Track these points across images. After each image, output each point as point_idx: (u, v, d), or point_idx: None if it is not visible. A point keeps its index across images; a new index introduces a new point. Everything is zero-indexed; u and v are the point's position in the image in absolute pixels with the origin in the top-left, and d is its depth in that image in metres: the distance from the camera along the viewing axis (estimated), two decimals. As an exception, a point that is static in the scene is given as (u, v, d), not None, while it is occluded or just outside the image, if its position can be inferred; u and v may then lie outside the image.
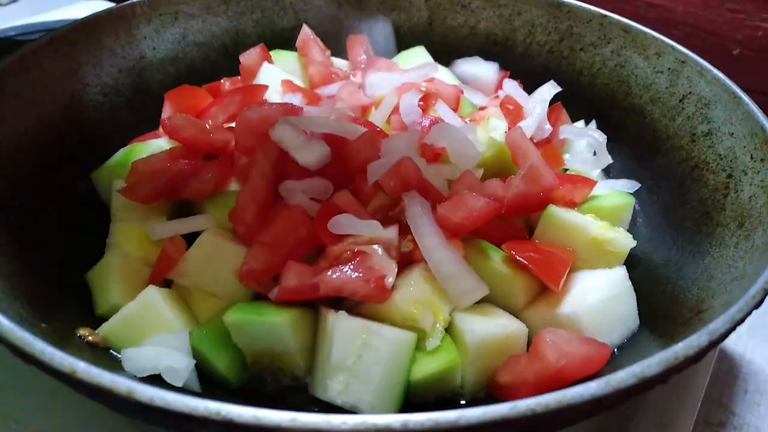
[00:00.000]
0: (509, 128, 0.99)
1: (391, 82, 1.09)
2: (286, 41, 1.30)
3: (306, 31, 1.25)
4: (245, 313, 0.75)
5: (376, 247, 0.79)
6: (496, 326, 0.76)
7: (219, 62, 1.25)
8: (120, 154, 1.00)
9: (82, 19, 1.08)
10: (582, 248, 0.84)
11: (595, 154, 1.05)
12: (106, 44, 1.11)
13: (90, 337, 0.75)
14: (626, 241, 0.84)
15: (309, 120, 0.96)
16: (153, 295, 0.77)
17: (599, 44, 1.15)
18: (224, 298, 0.81)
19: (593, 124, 1.13)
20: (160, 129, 1.06)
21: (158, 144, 1.02)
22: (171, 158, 0.96)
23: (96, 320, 0.82)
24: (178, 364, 0.71)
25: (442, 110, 1.00)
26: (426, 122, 0.98)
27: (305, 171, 0.90)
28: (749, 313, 0.61)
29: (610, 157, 1.02)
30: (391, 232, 0.81)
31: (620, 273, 0.80)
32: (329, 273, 0.76)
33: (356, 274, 0.76)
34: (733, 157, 0.88)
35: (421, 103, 1.05)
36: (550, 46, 1.22)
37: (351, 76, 1.17)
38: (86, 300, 0.85)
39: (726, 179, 0.88)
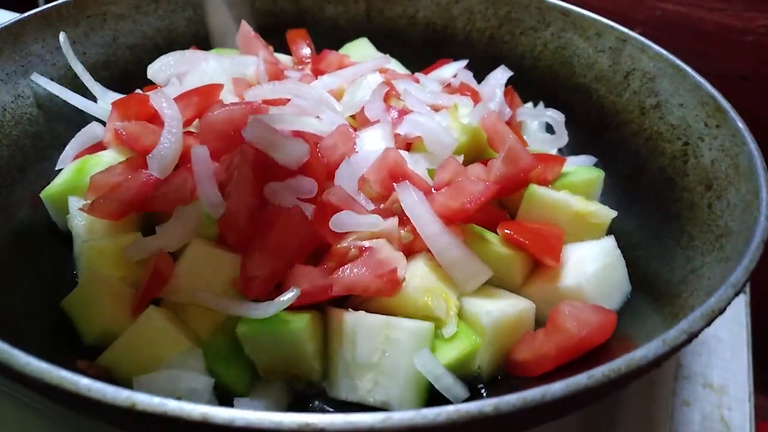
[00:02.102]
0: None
1: (348, 76, 1.07)
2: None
3: (246, 28, 1.21)
4: (258, 323, 0.71)
5: (382, 241, 0.78)
6: (507, 305, 0.77)
7: (153, 65, 1.17)
8: (70, 169, 0.93)
9: (4, 25, 0.97)
10: (566, 223, 0.88)
11: (551, 133, 1.09)
12: (34, 51, 1.02)
13: (91, 370, 0.68)
14: (608, 212, 0.88)
15: (279, 117, 0.93)
16: (155, 315, 0.72)
17: (539, 28, 1.20)
18: (222, 310, 0.77)
19: (541, 105, 1.18)
20: (107, 139, 0.98)
21: (111, 155, 0.95)
22: (130, 169, 0.90)
23: (79, 350, 0.75)
24: (199, 384, 0.67)
25: (410, 100, 1.00)
26: (394, 113, 0.98)
27: (285, 171, 0.87)
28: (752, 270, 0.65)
29: (567, 135, 1.06)
30: (392, 224, 0.80)
31: (610, 242, 0.84)
32: (340, 272, 0.74)
33: (367, 270, 0.75)
34: (687, 126, 0.95)
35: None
36: (491, 33, 1.25)
37: (299, 70, 1.14)
38: (63, 330, 0.78)
39: (683, 146, 0.94)
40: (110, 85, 1.09)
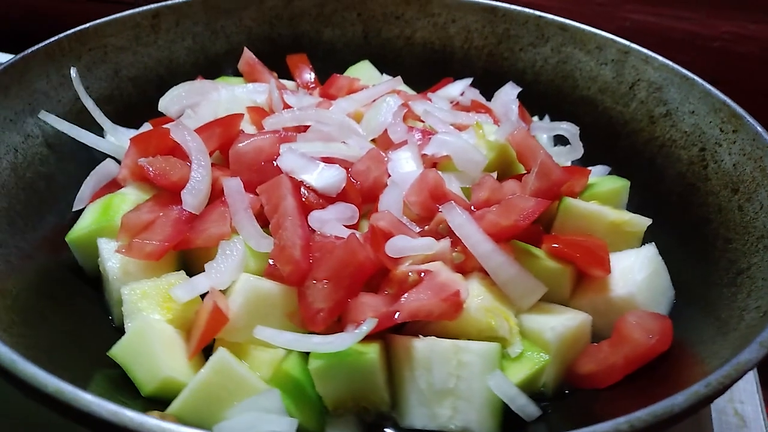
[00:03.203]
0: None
1: (363, 99, 1.07)
2: (221, 66, 1.23)
3: (248, 54, 1.19)
4: (331, 357, 0.69)
5: (438, 263, 0.78)
6: (567, 320, 0.78)
7: (156, 96, 1.13)
8: (94, 210, 0.89)
9: (8, 62, 0.93)
10: (602, 233, 0.89)
11: (565, 145, 1.11)
12: (39, 88, 0.97)
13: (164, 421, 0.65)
14: (643, 220, 0.91)
15: (309, 145, 0.92)
16: (227, 358, 0.69)
17: (538, 44, 1.23)
18: (291, 346, 0.74)
19: (547, 118, 1.20)
20: (122, 176, 0.95)
21: (134, 193, 0.91)
22: (160, 206, 0.87)
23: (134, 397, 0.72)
24: (283, 426, 0.64)
25: (432, 120, 1.00)
26: (418, 134, 0.98)
27: (324, 198, 0.86)
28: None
29: (581, 147, 1.08)
30: (445, 246, 0.80)
31: (652, 249, 0.86)
32: (404, 298, 0.74)
33: (431, 294, 0.74)
34: (701, 133, 0.98)
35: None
36: (489, 50, 1.27)
37: (308, 95, 1.13)
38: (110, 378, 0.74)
39: (700, 152, 0.98)
40: (115, 119, 1.06)
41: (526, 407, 0.72)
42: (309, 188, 0.85)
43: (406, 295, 0.74)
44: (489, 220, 0.81)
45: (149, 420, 0.49)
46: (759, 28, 1.68)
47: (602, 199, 0.96)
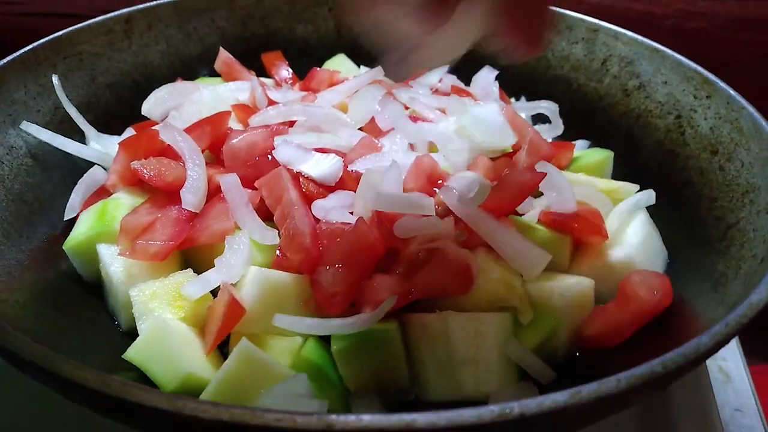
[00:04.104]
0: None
1: (347, 90, 1.08)
2: (197, 68, 1.22)
3: (224, 54, 1.19)
4: (352, 338, 0.70)
5: (448, 241, 0.79)
6: (574, 285, 0.80)
7: (134, 102, 1.12)
8: (90, 217, 0.87)
9: (-15, 73, 0.91)
10: (594, 203, 0.92)
11: (544, 123, 1.14)
12: (18, 98, 0.95)
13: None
14: (630, 187, 0.94)
15: (302, 137, 0.92)
16: (252, 348, 0.69)
17: (508, 27, 1.25)
18: (312, 331, 0.74)
19: (523, 99, 1.23)
20: (111, 182, 0.93)
21: (127, 197, 0.90)
22: (158, 208, 0.86)
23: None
24: (315, 407, 0.64)
25: (418, 107, 1.02)
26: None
27: (324, 187, 0.87)
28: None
29: (562, 124, 1.12)
30: (450, 224, 0.81)
31: (643, 214, 0.90)
32: (419, 276, 0.75)
33: (443, 270, 0.75)
34: (675, 101, 1.03)
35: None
36: (461, 36, 1.29)
37: (292, 90, 1.14)
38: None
39: (676, 120, 1.02)
40: (95, 126, 1.04)
41: (543, 371, 0.74)
42: (308, 178, 0.86)
43: (420, 273, 0.75)
44: (489, 196, 0.83)
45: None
46: (707, 4, 1.75)
47: (588, 171, 0.99)
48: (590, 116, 1.16)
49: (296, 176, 0.86)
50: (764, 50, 1.70)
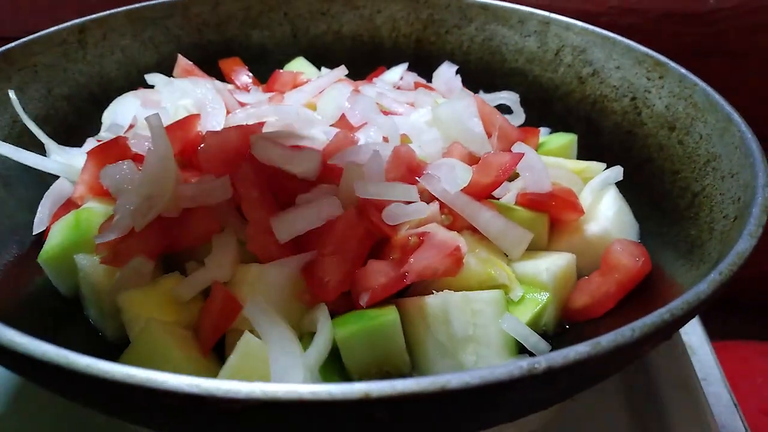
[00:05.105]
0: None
1: (313, 90, 1.08)
2: (154, 79, 1.20)
3: (183, 61, 1.17)
4: (355, 325, 0.70)
5: (434, 224, 0.80)
6: (558, 260, 0.83)
7: (93, 113, 1.10)
8: (63, 228, 0.84)
9: (-62, 87, 0.87)
10: (565, 182, 0.96)
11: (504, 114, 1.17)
12: (-26, 112, 0.91)
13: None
14: (598, 166, 0.98)
15: (279, 133, 0.92)
16: (254, 341, 0.68)
17: (462, 25, 1.29)
18: (295, 327, 0.74)
19: (481, 92, 1.27)
20: (79, 193, 0.91)
21: (99, 205, 0.87)
22: (135, 213, 0.84)
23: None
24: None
25: (387, 102, 1.03)
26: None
27: (303, 183, 0.87)
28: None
29: (523, 113, 1.15)
30: (436, 209, 0.83)
31: (613, 189, 0.93)
32: (412, 260, 0.76)
33: (434, 253, 0.76)
34: (629, 84, 1.08)
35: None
36: (417, 36, 1.32)
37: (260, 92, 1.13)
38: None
39: (631, 101, 1.07)
40: (54, 139, 1.00)
41: (538, 344, 0.76)
42: (288, 174, 0.86)
43: (413, 257, 0.76)
44: (470, 180, 0.85)
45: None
46: (638, 0, 1.84)
47: (554, 154, 1.03)
48: (548, 105, 1.20)
49: (276, 172, 0.85)
50: (689, 41, 1.80)
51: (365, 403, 0.45)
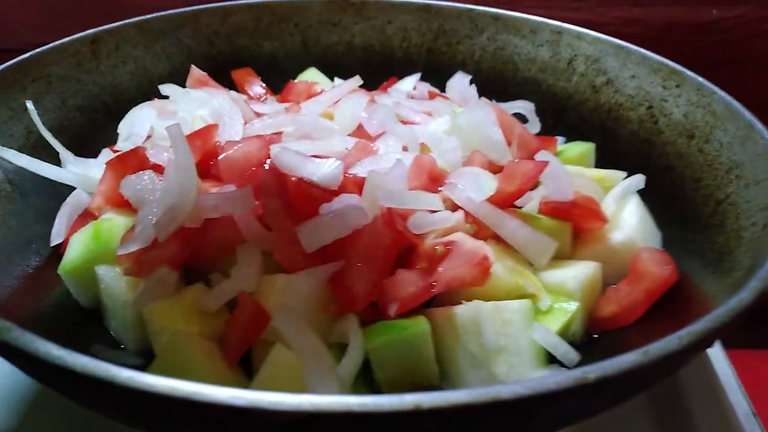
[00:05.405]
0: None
1: (329, 100, 1.08)
2: (166, 89, 1.19)
3: (196, 71, 1.16)
4: (387, 336, 0.70)
5: (460, 233, 0.80)
6: (585, 268, 0.82)
7: (105, 124, 1.09)
8: (83, 240, 0.83)
9: (-45, 98, 0.86)
10: (586, 191, 0.95)
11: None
12: (-10, 123, 0.90)
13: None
14: (618, 174, 0.98)
15: (299, 144, 0.91)
16: (286, 353, 0.67)
17: (473, 35, 1.29)
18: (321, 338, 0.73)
19: (494, 102, 1.26)
20: (96, 204, 0.89)
21: (119, 216, 0.86)
22: (155, 224, 0.83)
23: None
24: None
25: (405, 111, 1.03)
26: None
27: (325, 193, 0.86)
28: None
29: (539, 122, 1.15)
30: (461, 217, 0.82)
31: (636, 197, 0.93)
32: (441, 270, 0.75)
33: (463, 262, 0.76)
34: (645, 93, 1.08)
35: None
36: (428, 46, 1.32)
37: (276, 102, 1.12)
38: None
39: (647, 110, 1.07)
40: (69, 149, 1.00)
41: (568, 353, 0.75)
42: (310, 184, 0.85)
43: (441, 266, 0.75)
44: (497, 188, 0.84)
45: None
46: (642, 11, 1.85)
47: (573, 163, 1.03)
48: (562, 114, 1.20)
49: (299, 182, 0.84)
50: (692, 50, 1.81)
51: (416, 414, 0.44)
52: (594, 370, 0.47)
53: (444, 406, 0.45)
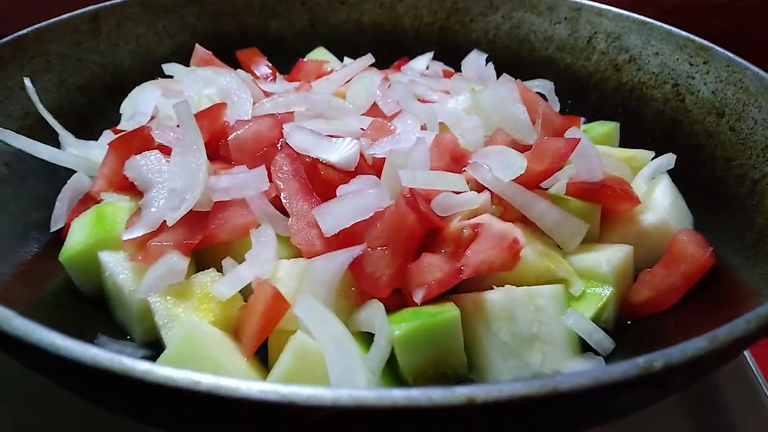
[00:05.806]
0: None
1: (341, 79, 1.03)
2: (168, 69, 1.14)
3: (201, 50, 1.11)
4: (414, 323, 0.65)
5: (487, 215, 0.75)
6: (617, 251, 0.78)
7: (106, 105, 1.04)
8: (85, 224, 0.78)
9: (-52, 74, 0.80)
10: (613, 171, 0.91)
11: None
12: (-15, 101, 0.85)
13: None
14: (646, 154, 0.93)
15: (314, 123, 0.87)
16: (308, 341, 0.62)
17: (488, 13, 1.24)
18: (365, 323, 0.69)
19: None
20: (98, 187, 0.84)
21: (123, 199, 0.82)
22: (162, 208, 0.78)
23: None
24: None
25: (421, 89, 0.98)
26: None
27: (341, 174, 0.81)
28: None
29: (558, 101, 1.11)
30: (487, 198, 0.78)
31: (666, 177, 0.89)
32: (469, 253, 0.70)
33: (491, 245, 0.71)
34: (670, 70, 1.03)
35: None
36: (440, 25, 1.27)
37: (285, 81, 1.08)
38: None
39: (673, 88, 1.02)
40: (68, 130, 0.94)
41: (603, 341, 0.71)
42: (326, 164, 0.80)
43: (469, 250, 0.70)
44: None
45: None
46: (654, -9, 1.80)
47: (597, 142, 0.97)
48: (582, 93, 1.16)
49: (313, 163, 0.80)
50: (704, 31, 1.77)
51: (469, 408, 0.40)
52: (659, 358, 0.43)
53: (499, 398, 0.40)
